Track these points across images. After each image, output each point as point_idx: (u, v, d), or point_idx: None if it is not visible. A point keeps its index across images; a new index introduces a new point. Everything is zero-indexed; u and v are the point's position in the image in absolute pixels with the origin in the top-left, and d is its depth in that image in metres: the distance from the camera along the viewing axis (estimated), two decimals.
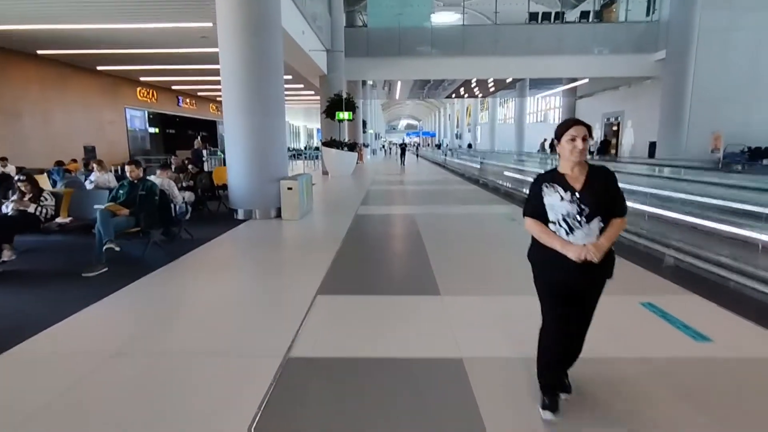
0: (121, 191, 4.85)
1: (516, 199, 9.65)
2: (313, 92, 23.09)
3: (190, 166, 7.47)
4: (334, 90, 16.55)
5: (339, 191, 12.37)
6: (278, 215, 7.51)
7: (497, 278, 4.21)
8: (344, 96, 15.99)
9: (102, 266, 4.29)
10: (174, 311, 3.48)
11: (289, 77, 18.38)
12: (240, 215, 7.53)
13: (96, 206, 4.45)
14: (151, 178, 5.46)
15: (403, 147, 27.66)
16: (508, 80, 20.87)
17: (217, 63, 7.44)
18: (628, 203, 2.05)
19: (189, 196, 7.22)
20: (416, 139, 78.87)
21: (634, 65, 18.70)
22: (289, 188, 7.29)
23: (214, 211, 8.12)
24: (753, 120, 16.86)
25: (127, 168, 4.82)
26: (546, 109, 45.25)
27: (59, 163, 8.55)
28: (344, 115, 15.30)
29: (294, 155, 23.62)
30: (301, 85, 20.92)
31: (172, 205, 5.41)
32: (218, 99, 26.98)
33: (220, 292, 3.88)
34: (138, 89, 18.84)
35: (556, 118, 40.47)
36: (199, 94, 23.95)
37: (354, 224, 7.01)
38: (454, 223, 7.24)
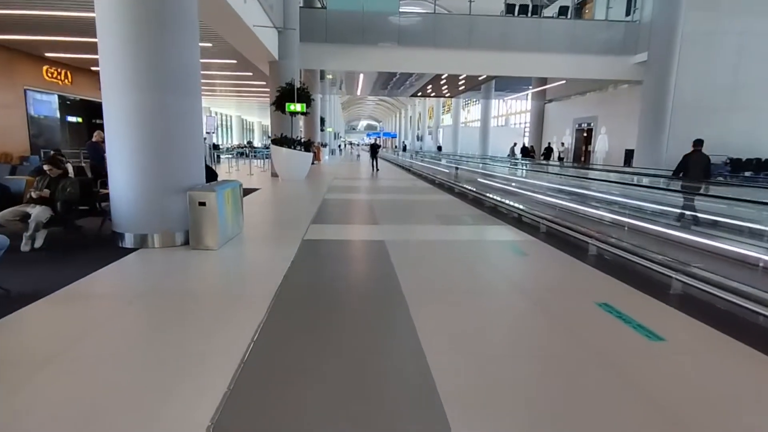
0: None
1: (507, 217, 7.70)
2: (265, 83, 20.42)
3: (46, 167, 4.89)
4: (286, 79, 14.10)
5: (287, 200, 10.00)
6: (188, 241, 5.11)
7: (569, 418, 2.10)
8: (297, 85, 13.59)
9: None
10: None
11: (233, 61, 15.76)
12: (128, 242, 5.06)
13: None
14: None
15: (376, 148, 20.69)
16: (480, 77, 19.18)
17: None
18: None
19: (40, 212, 4.67)
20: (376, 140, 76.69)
21: (612, 67, 17.49)
22: (202, 203, 4.91)
23: (92, 232, 5.57)
24: (734, 129, 16.03)
25: None
26: (508, 113, 44.55)
27: None
28: (296, 107, 12.89)
29: (243, 153, 20.81)
30: (250, 73, 18.25)
31: None
32: None
33: None
34: (45, 68, 15.50)
35: (520, 122, 39.70)
36: None
37: (298, 260, 4.73)
38: (443, 258, 5.11)
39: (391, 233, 6.22)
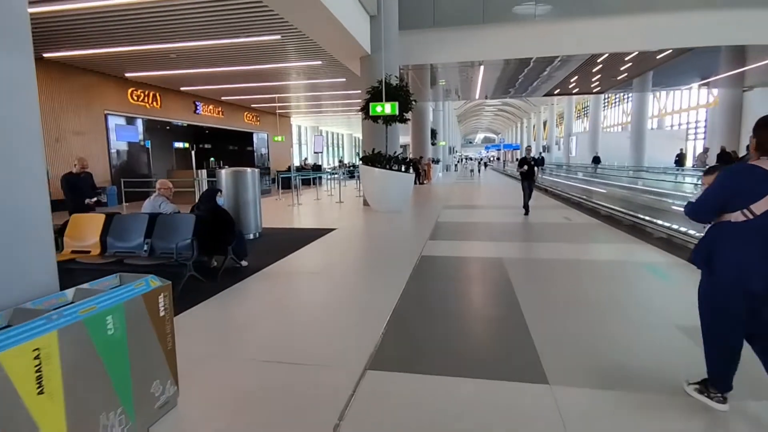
0: None
1: None
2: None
3: None
4: (381, 76, 10.47)
5: (356, 263, 5.95)
6: None
7: None
8: (392, 82, 9.86)
9: None
10: None
11: (317, 63, 12.69)
12: None
13: None
14: None
15: (531, 167, 9.40)
16: (662, 53, 13.30)
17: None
18: None
19: None
20: (493, 153, 70.15)
21: None
22: None
23: None
24: None
25: None
26: (661, 113, 35.48)
27: None
28: (385, 107, 9.10)
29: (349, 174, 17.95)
30: (342, 79, 15.18)
31: None
32: (254, 106, 22.32)
33: None
34: (130, 90, 14.28)
35: (682, 122, 30.99)
36: (224, 99, 19.22)
37: None
38: None
39: None
